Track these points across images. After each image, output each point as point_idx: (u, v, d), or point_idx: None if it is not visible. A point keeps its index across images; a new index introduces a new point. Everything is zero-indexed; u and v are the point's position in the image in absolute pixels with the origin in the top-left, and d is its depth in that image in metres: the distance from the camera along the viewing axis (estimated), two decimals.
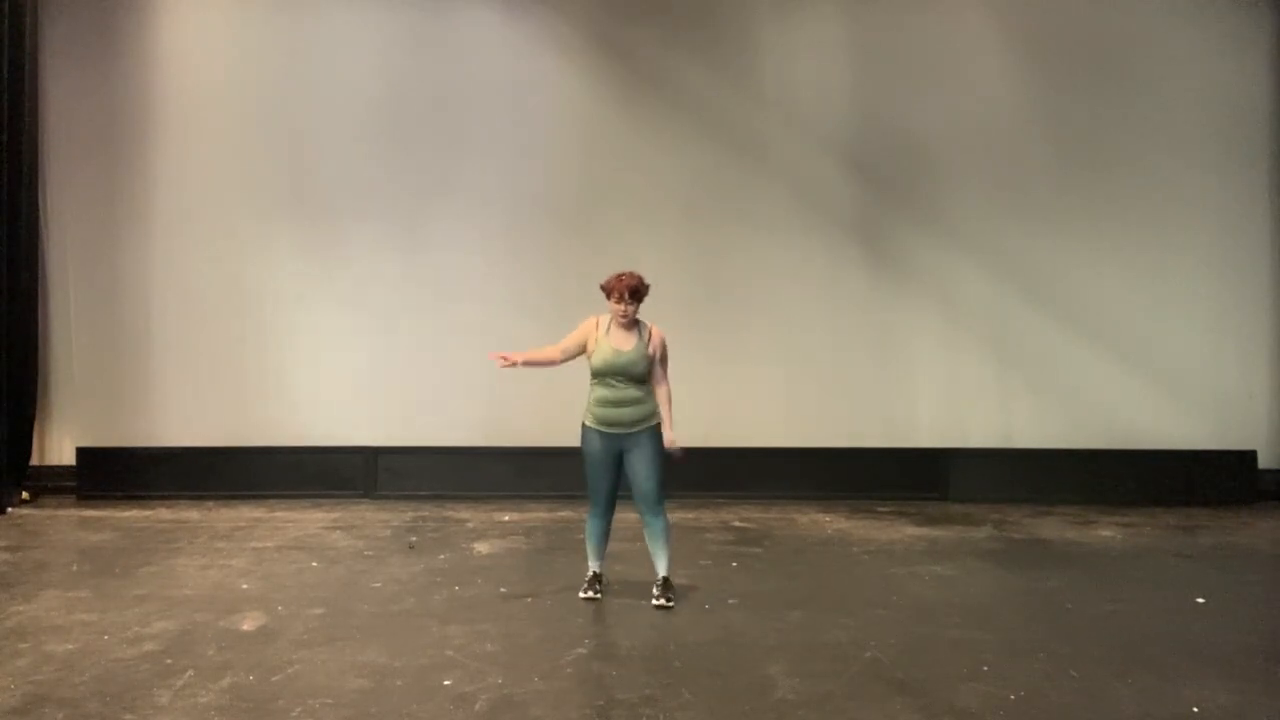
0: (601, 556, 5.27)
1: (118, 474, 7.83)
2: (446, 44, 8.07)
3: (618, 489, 5.10)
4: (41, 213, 7.97)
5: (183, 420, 7.98)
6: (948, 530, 6.88)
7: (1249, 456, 7.89)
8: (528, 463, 7.87)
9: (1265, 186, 8.00)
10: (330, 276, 8.04)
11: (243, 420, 7.97)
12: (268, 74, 8.05)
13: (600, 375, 4.99)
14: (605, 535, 5.22)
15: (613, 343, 4.98)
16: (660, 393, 5.05)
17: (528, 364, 5.02)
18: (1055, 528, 6.97)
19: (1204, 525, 7.06)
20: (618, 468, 5.04)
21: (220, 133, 8.04)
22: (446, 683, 4.06)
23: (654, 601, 5.02)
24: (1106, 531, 6.87)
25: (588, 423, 5.06)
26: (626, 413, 4.96)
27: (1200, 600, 5.26)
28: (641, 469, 4.99)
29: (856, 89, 8.04)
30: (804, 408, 7.95)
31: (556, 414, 7.85)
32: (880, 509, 7.53)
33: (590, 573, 5.25)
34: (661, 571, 5.13)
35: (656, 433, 5.01)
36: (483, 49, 8.05)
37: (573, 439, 5.12)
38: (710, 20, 8.05)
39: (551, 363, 5.07)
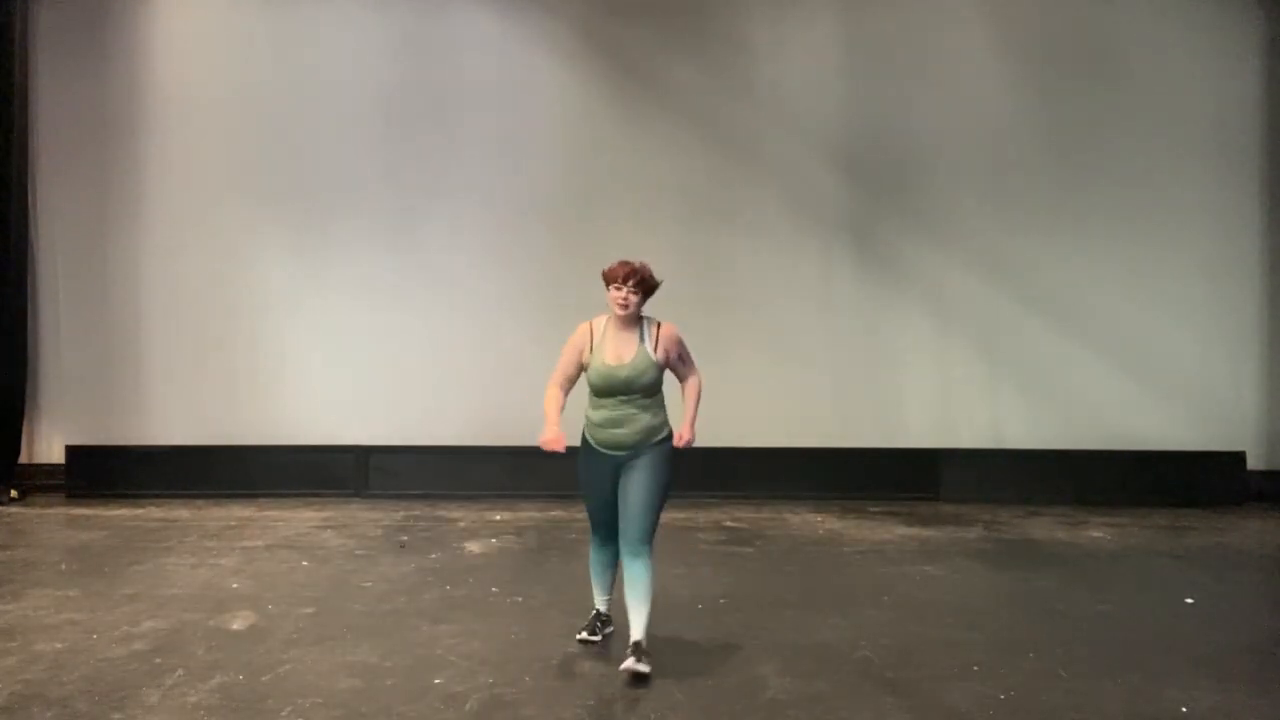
0: (607, 591, 4.49)
1: (107, 472, 7.80)
2: (439, 43, 8.04)
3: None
4: (31, 209, 7.94)
5: (173, 418, 7.95)
6: (939, 530, 6.90)
7: (1238, 457, 7.92)
8: (519, 462, 7.83)
9: (1257, 187, 8.01)
10: (322, 275, 8.01)
11: (233, 419, 7.94)
12: (260, 70, 8.02)
13: (600, 394, 4.20)
14: (610, 566, 4.43)
15: (610, 353, 4.17)
16: (687, 389, 4.30)
17: (560, 414, 4.19)
18: (1045, 528, 6.99)
19: (1193, 526, 7.08)
20: (617, 490, 4.22)
21: (212, 130, 8.01)
22: (437, 682, 4.06)
23: (623, 665, 4.02)
24: (1096, 532, 6.89)
25: (586, 436, 4.28)
26: (630, 433, 4.18)
27: (1189, 601, 5.28)
28: (632, 493, 4.14)
29: (849, 90, 8.04)
30: (795, 408, 7.94)
31: None
32: (872, 509, 7.54)
33: (593, 610, 4.54)
34: (636, 633, 4.07)
35: (662, 450, 4.21)
36: (476, 48, 8.04)
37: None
38: (703, 21, 8.05)
39: (563, 400, 4.23)
